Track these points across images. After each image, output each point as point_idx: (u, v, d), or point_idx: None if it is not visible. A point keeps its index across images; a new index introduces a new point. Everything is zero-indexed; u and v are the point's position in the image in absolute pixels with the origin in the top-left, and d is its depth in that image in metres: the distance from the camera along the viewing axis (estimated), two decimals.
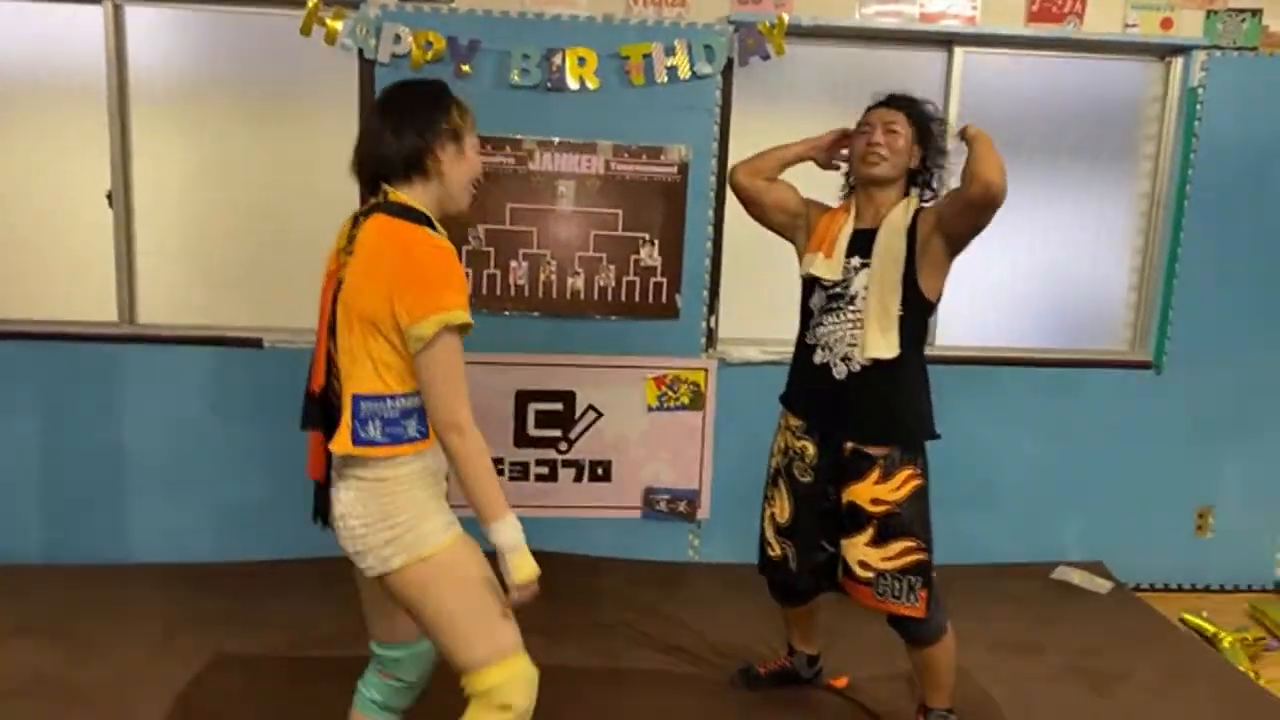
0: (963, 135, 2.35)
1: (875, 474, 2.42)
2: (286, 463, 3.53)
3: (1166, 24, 3.58)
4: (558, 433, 3.64)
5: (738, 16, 3.43)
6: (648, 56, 3.40)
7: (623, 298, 3.57)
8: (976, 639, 3.23)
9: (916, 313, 2.45)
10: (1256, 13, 3.57)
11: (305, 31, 3.27)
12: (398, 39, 3.31)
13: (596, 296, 3.56)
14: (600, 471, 3.69)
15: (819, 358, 2.48)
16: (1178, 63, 3.67)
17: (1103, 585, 3.70)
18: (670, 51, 3.40)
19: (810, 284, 2.54)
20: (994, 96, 3.69)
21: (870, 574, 2.43)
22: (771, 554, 2.64)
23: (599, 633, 3.18)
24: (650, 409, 3.67)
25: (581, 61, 3.38)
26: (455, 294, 1.74)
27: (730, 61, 3.44)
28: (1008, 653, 3.19)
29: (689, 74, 3.43)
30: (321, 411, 1.89)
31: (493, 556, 1.82)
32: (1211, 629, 3.41)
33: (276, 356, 3.48)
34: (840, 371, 2.44)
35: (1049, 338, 3.89)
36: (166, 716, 2.60)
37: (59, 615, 3.14)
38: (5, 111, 3.42)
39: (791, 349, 2.63)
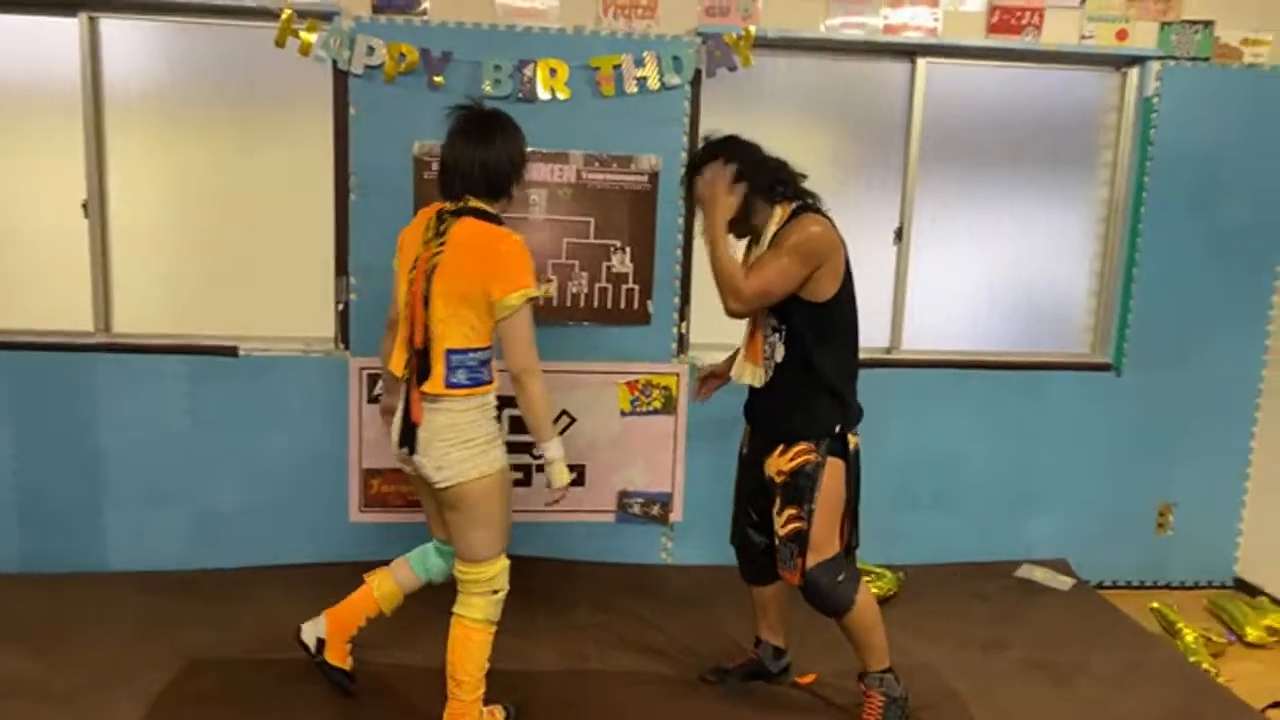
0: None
1: (779, 448, 2.65)
2: (261, 471, 3.58)
3: (1122, 35, 3.69)
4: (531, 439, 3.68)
5: (705, 29, 3.51)
6: (618, 68, 3.46)
7: (595, 304, 3.63)
8: (943, 636, 3.32)
9: (808, 318, 2.58)
10: (1209, 24, 3.69)
11: (280, 43, 3.32)
12: (371, 51, 3.36)
13: (569, 303, 3.62)
14: (574, 475, 3.72)
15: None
16: (1133, 73, 3.78)
17: (1065, 582, 3.79)
18: (640, 63, 3.47)
19: None
20: (956, 106, 3.79)
21: (777, 541, 2.67)
22: (735, 524, 2.91)
23: (571, 634, 3.24)
24: (623, 413, 3.72)
25: (553, 73, 3.44)
26: (531, 275, 2.39)
27: (698, 73, 3.52)
28: (973, 649, 3.27)
29: (658, 85, 3.50)
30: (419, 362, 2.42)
31: None
32: (1177, 621, 3.48)
33: (251, 365, 3.52)
34: (759, 378, 2.67)
35: (1013, 341, 3.99)
36: (144, 718, 2.63)
37: (36, 623, 3.16)
38: None
39: None
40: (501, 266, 2.35)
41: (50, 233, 3.52)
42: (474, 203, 2.43)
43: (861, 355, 3.75)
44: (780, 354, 2.62)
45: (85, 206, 3.48)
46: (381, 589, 2.78)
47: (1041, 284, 3.98)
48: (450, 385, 2.38)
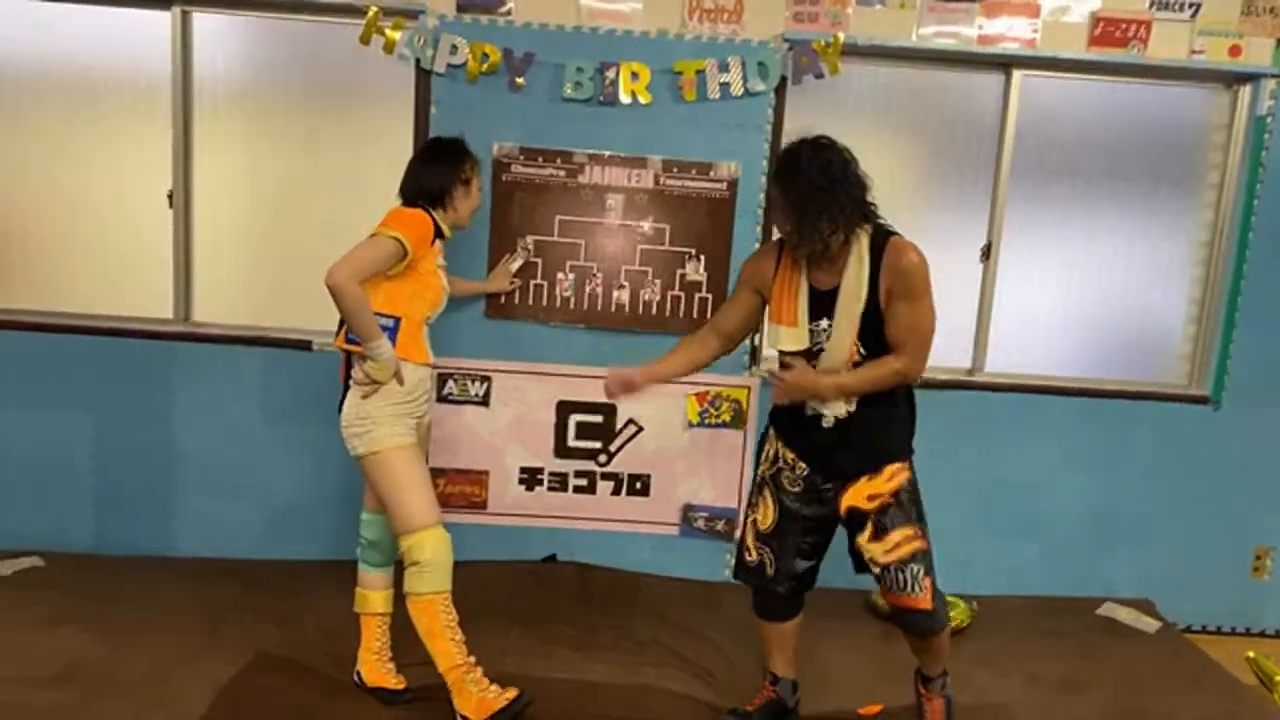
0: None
1: (865, 476, 2.49)
2: (331, 464, 3.59)
3: (1235, 51, 3.49)
4: (598, 445, 3.64)
5: (792, 34, 3.42)
6: (701, 73, 3.40)
7: (667, 312, 3.57)
8: (1016, 673, 3.18)
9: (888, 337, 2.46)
10: None
11: (365, 40, 3.33)
12: (454, 50, 3.35)
13: (641, 310, 3.56)
14: (639, 486, 3.68)
15: (808, 409, 2.52)
16: (1245, 90, 3.58)
17: (1150, 624, 3.59)
18: (724, 68, 3.40)
19: None
20: (1052, 121, 3.63)
21: (878, 569, 2.50)
22: (748, 558, 2.69)
23: (629, 649, 3.16)
24: (691, 425, 3.65)
25: (635, 76, 3.39)
26: (401, 228, 2.56)
27: (784, 79, 3.43)
28: (1048, 689, 3.10)
29: (741, 91, 3.42)
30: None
31: None
32: (1276, 672, 3.27)
33: (325, 360, 3.54)
34: (828, 420, 2.48)
35: (1102, 368, 3.80)
36: (206, 710, 2.63)
37: (102, 605, 3.20)
38: (72, 111, 3.53)
39: None
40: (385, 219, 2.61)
41: (136, 222, 3.59)
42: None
43: (942, 376, 3.70)
44: None
45: (170, 197, 3.54)
46: (364, 604, 2.85)
47: (1136, 309, 3.78)
48: (348, 340, 2.60)
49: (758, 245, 3.54)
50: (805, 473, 2.57)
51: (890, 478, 2.48)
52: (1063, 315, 3.78)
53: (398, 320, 2.63)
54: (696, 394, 3.62)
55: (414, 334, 2.67)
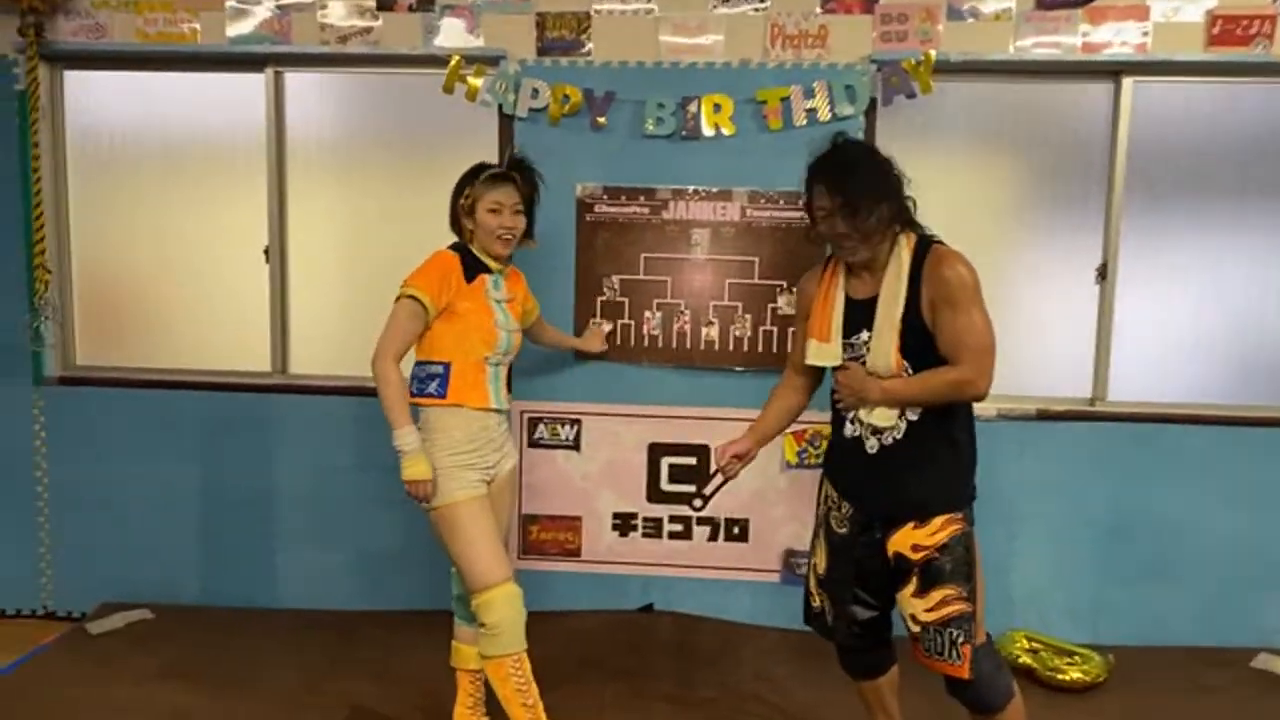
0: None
1: (911, 523, 2.22)
2: (421, 514, 3.56)
3: None
4: (692, 488, 3.51)
5: (880, 55, 3.29)
6: (785, 100, 3.29)
7: (759, 348, 3.43)
8: None
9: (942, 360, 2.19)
10: None
11: (448, 89, 3.35)
12: (535, 93, 3.34)
13: (732, 347, 3.44)
14: (737, 530, 3.53)
15: (849, 430, 2.30)
16: None
17: None
18: (809, 94, 3.29)
19: None
20: (1169, 130, 3.38)
21: (918, 628, 2.23)
22: (813, 605, 2.49)
23: (730, 706, 3.00)
24: (789, 465, 3.49)
25: (717, 108, 3.31)
26: (421, 279, 2.50)
27: (873, 101, 3.30)
28: None
29: (829, 116, 3.30)
30: None
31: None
32: None
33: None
34: (872, 445, 2.25)
35: (1240, 393, 3.47)
36: None
37: (208, 658, 3.24)
38: (172, 173, 3.66)
39: None
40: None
41: (234, 278, 3.68)
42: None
43: (1061, 408, 3.44)
44: (915, 410, 2.22)
45: (267, 252, 3.63)
46: (458, 658, 2.77)
47: (1275, 328, 3.45)
48: (412, 393, 2.56)
49: None
50: (850, 513, 2.33)
51: (938, 530, 2.19)
52: (1194, 338, 3.48)
53: (447, 366, 2.53)
54: (794, 433, 3.47)
55: (470, 377, 2.53)
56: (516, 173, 2.64)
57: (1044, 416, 3.43)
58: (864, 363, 2.25)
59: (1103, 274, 3.43)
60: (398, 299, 2.51)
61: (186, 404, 3.63)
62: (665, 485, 3.52)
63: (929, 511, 2.21)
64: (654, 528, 3.54)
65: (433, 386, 2.53)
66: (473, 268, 2.58)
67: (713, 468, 3.26)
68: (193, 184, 3.66)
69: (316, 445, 3.63)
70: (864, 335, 2.25)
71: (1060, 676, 3.12)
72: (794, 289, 3.39)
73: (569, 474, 3.53)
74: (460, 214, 2.63)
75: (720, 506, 3.51)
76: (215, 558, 3.70)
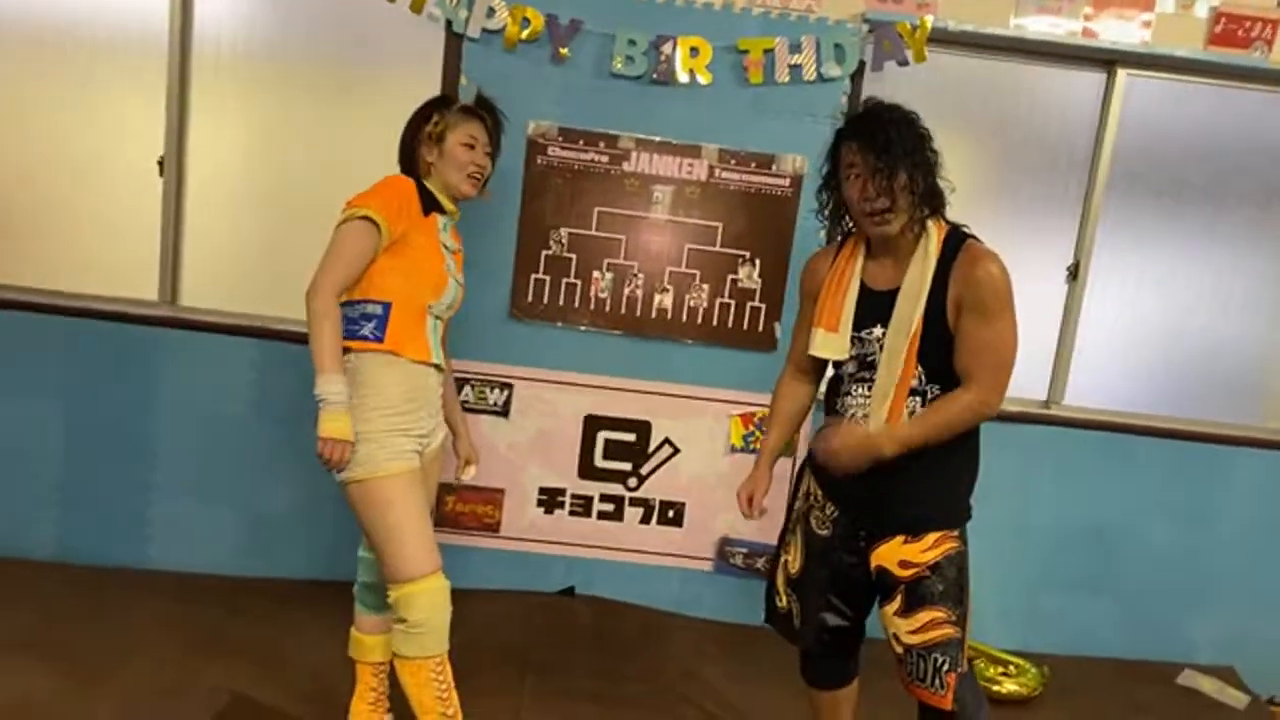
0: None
1: (901, 536, 2.02)
2: (324, 473, 3.18)
3: None
4: (628, 466, 3.25)
5: (875, 15, 3.02)
6: (769, 52, 3.00)
7: (714, 322, 3.17)
8: None
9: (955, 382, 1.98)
10: None
11: None
12: (491, 12, 2.95)
13: (685, 318, 3.16)
14: (671, 514, 3.28)
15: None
16: None
17: (1239, 699, 3.20)
18: (796, 48, 3.00)
19: None
20: (1157, 127, 3.25)
21: (901, 649, 2.04)
22: (778, 604, 2.28)
23: (657, 704, 2.77)
24: (733, 449, 3.25)
25: (694, 52, 2.99)
26: (373, 198, 2.12)
27: (862, 64, 3.03)
28: None
29: (814, 75, 3.02)
30: None
31: None
32: None
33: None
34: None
35: (1196, 408, 3.41)
36: None
37: (64, 626, 2.79)
38: (60, 65, 3.12)
39: None
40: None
41: (120, 190, 3.18)
42: None
43: (1015, 408, 3.30)
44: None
45: (161, 164, 3.14)
46: (358, 650, 2.40)
47: (1239, 343, 3.39)
48: (346, 336, 2.16)
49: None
50: (834, 514, 2.13)
51: (931, 547, 2.00)
52: (1157, 347, 3.39)
53: (386, 306, 2.15)
54: (742, 415, 3.23)
55: (410, 323, 2.17)
56: (486, 113, 2.31)
57: (997, 416, 3.28)
58: (872, 363, 1.99)
59: (1074, 273, 3.28)
60: (343, 221, 2.11)
61: (54, 330, 3.13)
62: (599, 462, 3.24)
63: (923, 526, 1.99)
64: (582, 506, 3.26)
65: (368, 329, 2.14)
66: (427, 204, 2.22)
67: (653, 442, 2.96)
68: (80, 77, 3.13)
69: (205, 388, 3.19)
70: (877, 331, 2.00)
71: (996, 688, 3.02)
72: (757, 261, 3.13)
73: (494, 443, 3.20)
74: (421, 143, 2.26)
75: (656, 488, 3.26)
76: (77, 509, 3.23)
